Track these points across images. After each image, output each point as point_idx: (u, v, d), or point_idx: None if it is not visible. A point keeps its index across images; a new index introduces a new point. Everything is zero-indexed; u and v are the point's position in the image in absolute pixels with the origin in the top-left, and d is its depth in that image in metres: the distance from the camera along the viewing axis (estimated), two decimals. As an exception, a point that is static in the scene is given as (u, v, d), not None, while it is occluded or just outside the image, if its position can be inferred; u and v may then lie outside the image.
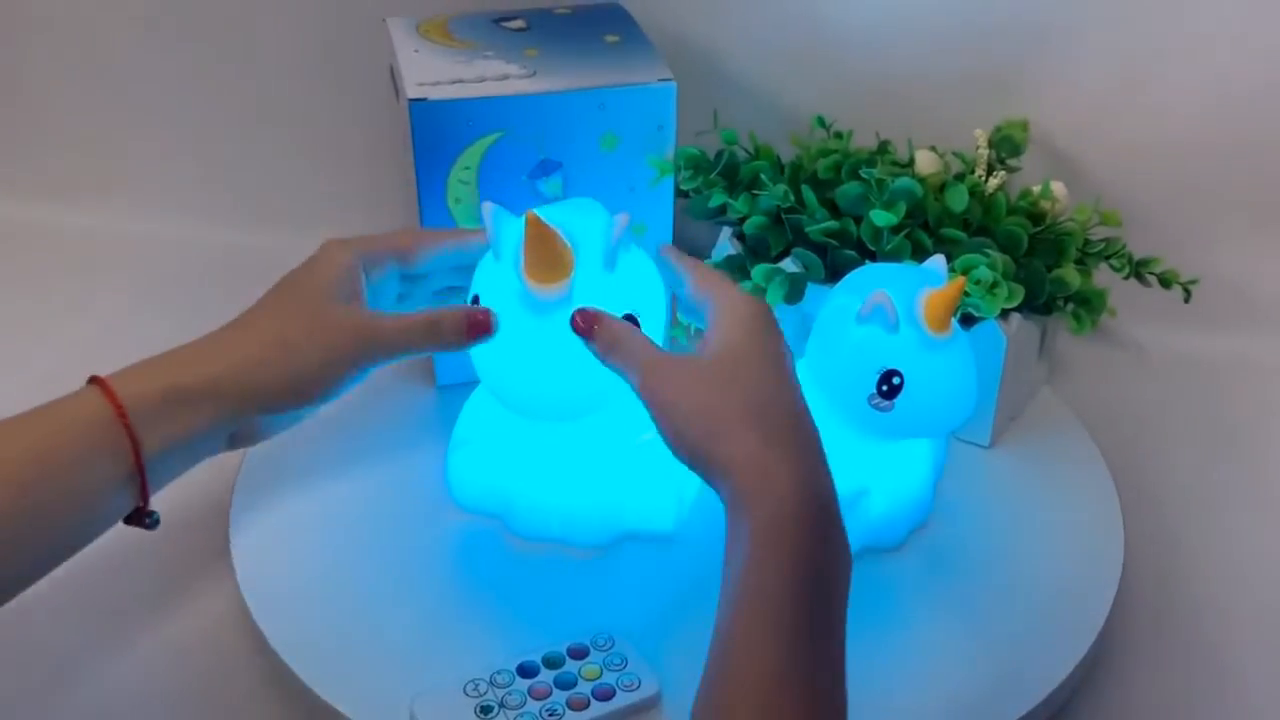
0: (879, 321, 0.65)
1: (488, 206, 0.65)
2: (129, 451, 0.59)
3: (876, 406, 0.66)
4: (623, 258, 0.65)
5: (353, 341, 0.64)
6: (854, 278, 0.69)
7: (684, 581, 0.70)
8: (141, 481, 0.59)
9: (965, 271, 0.74)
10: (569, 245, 0.63)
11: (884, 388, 0.66)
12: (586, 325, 0.62)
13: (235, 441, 0.64)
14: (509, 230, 0.64)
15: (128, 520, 0.61)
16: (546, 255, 0.63)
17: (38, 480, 0.57)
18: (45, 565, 0.59)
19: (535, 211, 0.63)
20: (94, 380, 0.60)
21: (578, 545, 0.71)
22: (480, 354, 0.67)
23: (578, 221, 0.65)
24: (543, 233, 0.62)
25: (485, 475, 0.71)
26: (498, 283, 0.65)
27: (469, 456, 0.71)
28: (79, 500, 0.58)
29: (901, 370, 0.66)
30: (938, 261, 0.69)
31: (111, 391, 0.59)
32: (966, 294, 0.73)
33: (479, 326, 0.65)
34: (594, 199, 0.68)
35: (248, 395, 0.62)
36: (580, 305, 0.63)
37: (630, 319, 0.64)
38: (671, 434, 0.59)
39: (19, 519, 0.56)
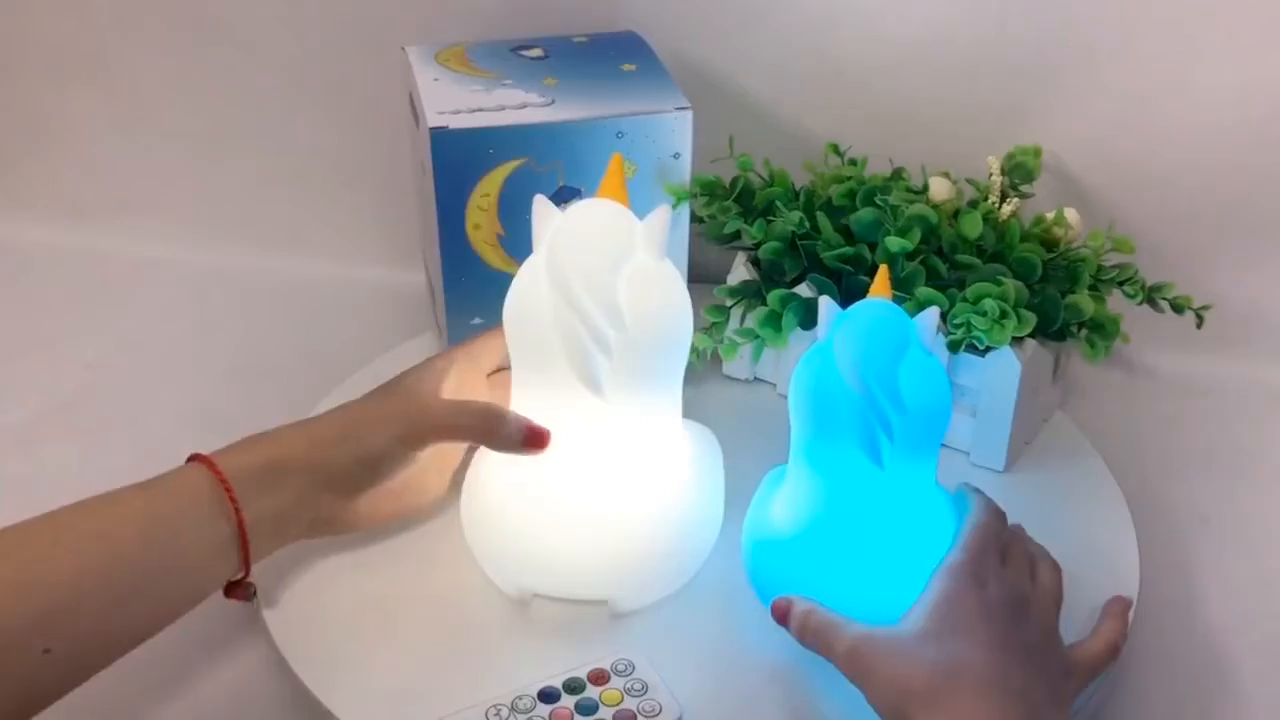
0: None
1: (539, 199, 0.66)
2: (232, 519, 0.61)
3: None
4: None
5: (409, 422, 0.67)
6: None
7: (704, 606, 0.71)
8: (244, 549, 0.62)
9: (976, 301, 0.75)
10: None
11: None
12: (780, 615, 0.64)
13: (316, 527, 0.67)
14: (551, 224, 0.66)
15: (227, 592, 0.64)
16: (615, 188, 0.66)
17: (146, 547, 0.59)
18: (150, 629, 0.60)
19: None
20: (195, 457, 0.63)
21: None
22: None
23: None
24: (620, 168, 0.67)
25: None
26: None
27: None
28: (184, 567, 0.61)
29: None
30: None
31: (214, 464, 0.62)
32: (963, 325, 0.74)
33: (536, 439, 0.66)
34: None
35: (324, 470, 0.65)
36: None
37: None
38: (874, 705, 0.59)
39: (128, 584, 0.58)
